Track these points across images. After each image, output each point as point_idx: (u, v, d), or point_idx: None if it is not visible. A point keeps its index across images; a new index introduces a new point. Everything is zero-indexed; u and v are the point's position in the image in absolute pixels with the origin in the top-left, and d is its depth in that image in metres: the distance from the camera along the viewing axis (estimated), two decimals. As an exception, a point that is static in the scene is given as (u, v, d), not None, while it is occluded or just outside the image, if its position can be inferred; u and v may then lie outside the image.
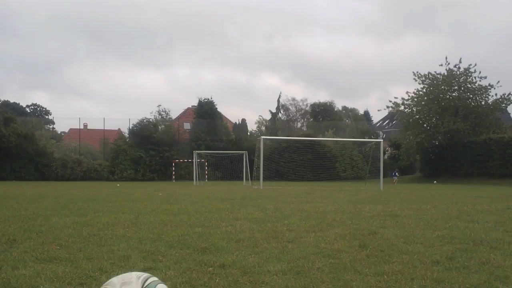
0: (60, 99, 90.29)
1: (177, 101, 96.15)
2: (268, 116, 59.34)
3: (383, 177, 19.99)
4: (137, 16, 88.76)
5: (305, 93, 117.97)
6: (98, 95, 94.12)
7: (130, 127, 38.33)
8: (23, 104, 61.99)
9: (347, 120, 60.61)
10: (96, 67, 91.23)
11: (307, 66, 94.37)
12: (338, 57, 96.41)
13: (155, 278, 1.82)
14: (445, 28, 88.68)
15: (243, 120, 48.15)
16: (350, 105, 71.07)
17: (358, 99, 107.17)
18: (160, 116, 39.29)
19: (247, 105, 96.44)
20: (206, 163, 34.77)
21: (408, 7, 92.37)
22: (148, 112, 69.60)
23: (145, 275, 1.83)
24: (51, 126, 50.26)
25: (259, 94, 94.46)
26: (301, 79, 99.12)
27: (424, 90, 35.12)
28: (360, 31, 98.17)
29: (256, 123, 56.96)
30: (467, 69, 34.19)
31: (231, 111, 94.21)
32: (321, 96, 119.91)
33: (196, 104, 42.86)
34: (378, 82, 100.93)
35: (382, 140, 24.79)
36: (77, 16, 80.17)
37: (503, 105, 34.38)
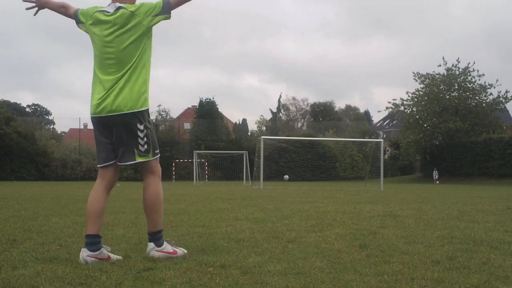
0: (49, 100, 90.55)
1: (173, 101, 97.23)
2: (267, 116, 59.32)
3: (384, 177, 20.00)
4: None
5: (289, 93, 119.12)
6: (87, 95, 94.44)
7: (130, 127, 38.39)
8: (23, 104, 62.05)
9: (347, 120, 60.60)
10: (82, 68, 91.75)
11: (283, 68, 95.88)
12: (310, 59, 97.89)
13: None
14: (410, 30, 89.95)
15: (244, 120, 48.20)
16: (341, 105, 71.66)
17: (341, 99, 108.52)
18: (160, 116, 39.32)
19: (233, 106, 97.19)
20: (206, 163, 34.77)
21: (374, 10, 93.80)
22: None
23: None
24: (51, 126, 50.31)
25: (243, 95, 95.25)
26: (282, 79, 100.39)
27: (424, 90, 35.14)
28: (329, 34, 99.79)
29: (256, 123, 56.97)
30: (465, 69, 34.21)
31: (228, 111, 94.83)
32: (303, 96, 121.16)
33: (196, 104, 42.92)
34: (356, 83, 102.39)
35: (382, 140, 24.79)
36: (65, 17, 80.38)
37: (502, 104, 34.40)
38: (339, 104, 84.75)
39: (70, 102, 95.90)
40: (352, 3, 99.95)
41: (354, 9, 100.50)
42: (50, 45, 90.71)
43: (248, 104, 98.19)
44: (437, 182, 31.19)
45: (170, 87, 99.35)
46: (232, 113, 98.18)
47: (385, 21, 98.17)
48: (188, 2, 3.14)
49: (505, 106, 35.38)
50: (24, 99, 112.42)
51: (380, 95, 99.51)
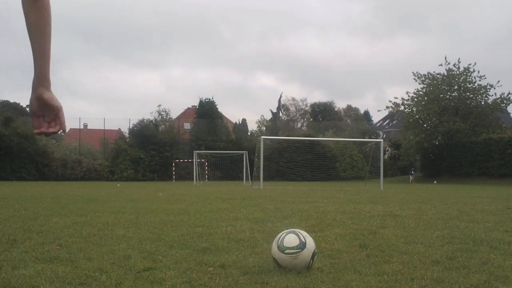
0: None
1: (174, 101, 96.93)
2: (267, 116, 59.31)
3: (384, 177, 19.99)
4: (131, 17, 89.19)
5: (301, 94, 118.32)
6: (95, 95, 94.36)
7: (130, 127, 38.37)
8: (23, 104, 61.99)
9: (347, 120, 60.58)
10: (92, 67, 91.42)
11: (301, 66, 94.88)
12: (331, 57, 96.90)
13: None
14: (436, 29, 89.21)
15: (244, 120, 48.16)
16: (343, 105, 71.39)
17: (354, 99, 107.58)
18: (160, 116, 39.31)
19: (242, 105, 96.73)
20: (206, 163, 34.74)
21: (398, 8, 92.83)
22: (146, 112, 69.62)
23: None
24: (51, 126, 50.22)
25: (254, 94, 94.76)
26: (296, 79, 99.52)
27: (424, 90, 35.08)
28: (352, 32, 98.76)
29: (256, 122, 56.94)
30: (466, 69, 34.11)
31: (228, 111, 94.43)
32: (316, 96, 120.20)
33: (196, 104, 42.90)
34: (373, 82, 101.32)
35: (382, 140, 24.78)
36: (72, 16, 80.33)
37: (503, 105, 34.32)
38: (342, 104, 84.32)
39: (77, 102, 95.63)
40: (378, 1, 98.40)
41: (380, 6, 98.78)
42: (61, 44, 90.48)
43: (257, 103, 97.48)
44: (410, 182, 32.34)
45: (182, 85, 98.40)
46: (242, 113, 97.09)
47: (410, 19, 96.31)
48: None
49: (506, 109, 35.38)
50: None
51: (395, 95, 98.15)
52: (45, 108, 1.48)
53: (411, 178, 33.76)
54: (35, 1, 1.52)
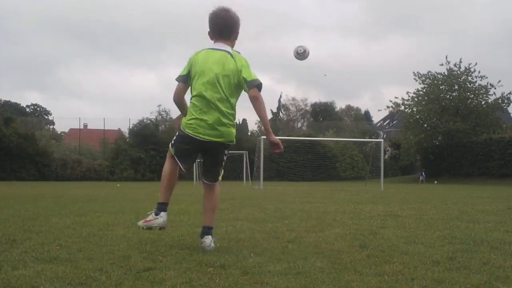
0: (54, 100, 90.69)
1: (171, 100, 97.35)
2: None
3: (384, 177, 19.98)
4: (127, 17, 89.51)
5: (298, 94, 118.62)
6: (94, 95, 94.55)
7: (130, 127, 38.36)
8: (23, 104, 62.07)
9: (347, 120, 60.54)
10: (89, 67, 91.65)
11: (297, 67, 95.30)
12: (326, 58, 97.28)
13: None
14: (433, 29, 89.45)
15: (244, 120, 48.13)
16: (343, 105, 71.44)
17: (351, 99, 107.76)
18: (160, 116, 39.32)
19: (242, 105, 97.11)
20: (206, 163, 34.69)
21: (398, 10, 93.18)
22: (145, 112, 69.65)
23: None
24: (51, 126, 50.30)
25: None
26: (292, 79, 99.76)
27: (424, 90, 35.04)
28: (348, 32, 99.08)
29: (256, 123, 56.90)
30: (467, 69, 34.05)
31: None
32: (313, 97, 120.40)
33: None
34: (369, 82, 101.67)
35: (382, 140, 24.77)
36: (69, 17, 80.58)
37: (503, 104, 34.27)
38: (341, 104, 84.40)
39: (75, 102, 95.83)
40: (372, 2, 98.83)
41: (373, 7, 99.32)
42: (58, 45, 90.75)
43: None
44: (422, 182, 32.11)
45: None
46: (242, 113, 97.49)
47: (404, 19, 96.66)
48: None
49: (507, 109, 35.35)
50: (30, 99, 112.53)
51: (391, 95, 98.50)
52: (273, 144, 3.58)
53: (421, 178, 33.41)
54: (254, 101, 3.59)
